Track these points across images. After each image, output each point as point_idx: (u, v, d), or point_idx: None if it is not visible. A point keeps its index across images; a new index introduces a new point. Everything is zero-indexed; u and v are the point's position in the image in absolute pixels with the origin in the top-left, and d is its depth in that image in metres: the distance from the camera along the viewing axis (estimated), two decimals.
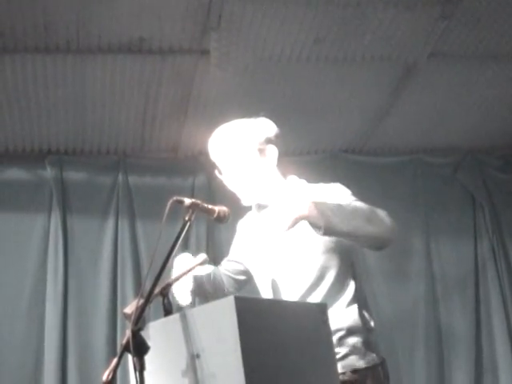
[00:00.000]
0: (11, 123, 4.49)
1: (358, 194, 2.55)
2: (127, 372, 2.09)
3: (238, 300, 1.92)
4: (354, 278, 2.54)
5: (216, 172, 2.63)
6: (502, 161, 5.39)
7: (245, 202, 2.62)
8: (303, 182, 2.64)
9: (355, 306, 2.48)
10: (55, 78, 4.11)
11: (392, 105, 4.70)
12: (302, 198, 2.31)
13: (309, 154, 5.13)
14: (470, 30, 4.04)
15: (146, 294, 2.08)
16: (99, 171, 4.86)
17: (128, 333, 1.93)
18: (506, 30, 4.06)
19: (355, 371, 2.41)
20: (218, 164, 2.62)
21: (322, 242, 2.47)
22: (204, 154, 2.93)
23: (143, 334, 1.96)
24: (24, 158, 4.80)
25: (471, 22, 3.97)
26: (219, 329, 1.95)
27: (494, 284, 5.08)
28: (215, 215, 2.37)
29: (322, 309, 2.20)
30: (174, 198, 2.23)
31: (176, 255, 2.20)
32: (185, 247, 4.60)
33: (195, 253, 2.59)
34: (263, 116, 2.66)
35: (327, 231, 2.28)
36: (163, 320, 2.16)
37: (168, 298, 2.19)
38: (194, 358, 1.99)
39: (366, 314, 2.51)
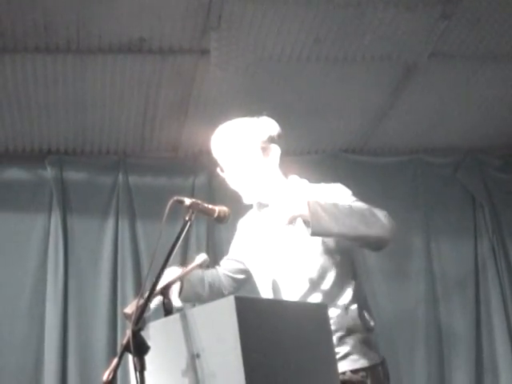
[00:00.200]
0: (11, 123, 4.49)
1: (359, 194, 2.55)
2: (127, 372, 2.09)
3: (238, 300, 1.93)
4: (354, 278, 2.54)
5: (218, 170, 2.63)
6: (501, 161, 5.39)
7: (246, 201, 2.62)
8: (304, 181, 2.64)
9: (355, 306, 2.48)
10: (55, 77, 4.11)
11: (392, 105, 4.70)
12: (298, 197, 2.31)
13: (309, 153, 5.13)
14: (470, 30, 4.04)
15: (146, 293, 2.08)
16: (99, 171, 4.86)
17: (128, 333, 1.94)
18: (506, 30, 4.06)
19: (355, 371, 2.41)
20: (220, 162, 2.62)
21: (322, 243, 2.48)
22: (204, 153, 2.93)
23: (143, 333, 1.96)
24: (24, 158, 4.80)
25: (471, 22, 3.97)
26: (219, 329, 1.95)
27: (495, 284, 5.08)
28: (215, 215, 2.37)
29: (322, 309, 2.20)
30: (175, 198, 2.24)
31: (176, 255, 2.20)
32: (185, 247, 4.61)
33: (195, 253, 2.60)
34: (266, 115, 2.66)
35: (315, 232, 2.29)
36: (163, 320, 2.16)
37: (168, 298, 2.19)
38: (194, 357, 1.99)
39: (366, 314, 2.51)
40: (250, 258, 2.70)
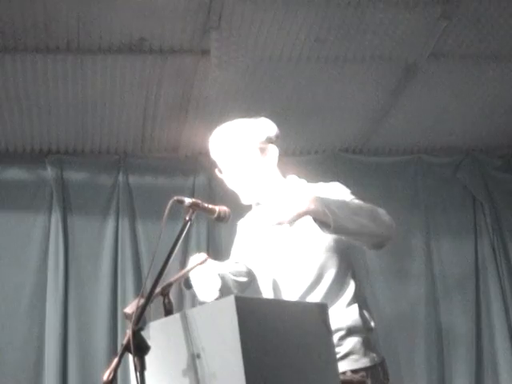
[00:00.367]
0: (11, 123, 4.49)
1: (358, 193, 2.54)
2: (128, 372, 2.09)
3: (238, 300, 1.92)
4: (354, 278, 2.54)
5: (216, 171, 2.63)
6: (501, 161, 5.39)
7: (244, 201, 2.62)
8: (303, 181, 2.64)
9: (355, 306, 2.48)
10: (55, 77, 4.11)
11: (392, 105, 4.70)
12: (306, 193, 2.29)
13: (309, 153, 5.13)
14: (470, 30, 4.04)
15: (146, 293, 2.08)
16: (99, 171, 4.86)
17: (128, 333, 1.93)
18: (506, 30, 4.06)
19: (355, 371, 2.41)
20: (218, 162, 2.62)
21: (321, 242, 2.47)
22: (204, 153, 2.93)
23: (144, 333, 1.96)
24: (24, 158, 4.80)
25: (471, 22, 3.97)
26: (220, 328, 1.95)
27: (495, 283, 5.08)
28: (216, 215, 2.36)
29: (322, 308, 2.19)
30: (175, 198, 2.23)
31: (176, 255, 2.20)
32: (185, 247, 4.61)
33: (196, 253, 2.59)
34: (264, 116, 2.66)
35: (336, 229, 2.24)
36: (164, 320, 2.16)
37: (169, 298, 2.19)
38: (194, 357, 1.99)
39: (366, 314, 2.51)
40: (250, 258, 2.70)
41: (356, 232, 2.32)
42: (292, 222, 2.26)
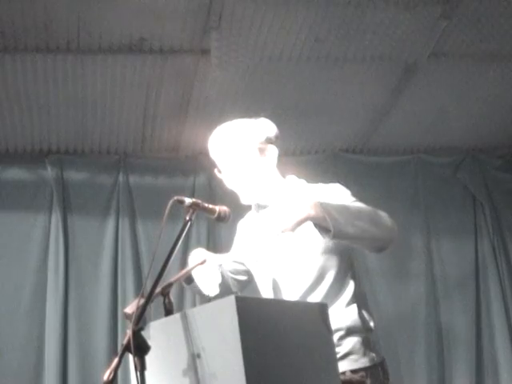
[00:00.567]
0: (11, 123, 4.49)
1: (358, 193, 2.54)
2: (128, 372, 2.09)
3: (238, 300, 1.92)
4: (354, 278, 2.54)
5: (215, 171, 2.63)
6: (501, 161, 5.39)
7: (244, 201, 2.62)
8: (302, 181, 2.64)
9: (355, 306, 2.48)
10: (55, 77, 4.11)
11: (392, 104, 4.70)
12: (306, 198, 2.29)
13: (309, 153, 5.13)
14: (470, 30, 4.04)
15: (146, 293, 2.08)
16: (100, 171, 4.87)
17: (129, 333, 1.94)
18: (506, 30, 4.06)
19: (355, 371, 2.41)
20: (217, 163, 2.62)
21: (321, 242, 2.47)
22: (204, 153, 2.93)
23: (144, 333, 1.96)
24: (24, 158, 4.80)
25: (471, 22, 3.97)
26: (220, 328, 1.95)
27: (495, 283, 5.08)
28: (216, 215, 2.37)
29: (322, 308, 2.20)
30: (175, 198, 2.23)
31: (176, 255, 2.20)
32: (185, 247, 4.60)
33: None
34: (263, 116, 2.66)
35: (337, 235, 2.24)
36: (164, 320, 2.16)
37: (169, 298, 2.19)
38: (194, 357, 1.99)
39: (366, 314, 2.51)
40: (250, 258, 2.70)
41: (357, 237, 2.32)
42: (294, 229, 2.26)
